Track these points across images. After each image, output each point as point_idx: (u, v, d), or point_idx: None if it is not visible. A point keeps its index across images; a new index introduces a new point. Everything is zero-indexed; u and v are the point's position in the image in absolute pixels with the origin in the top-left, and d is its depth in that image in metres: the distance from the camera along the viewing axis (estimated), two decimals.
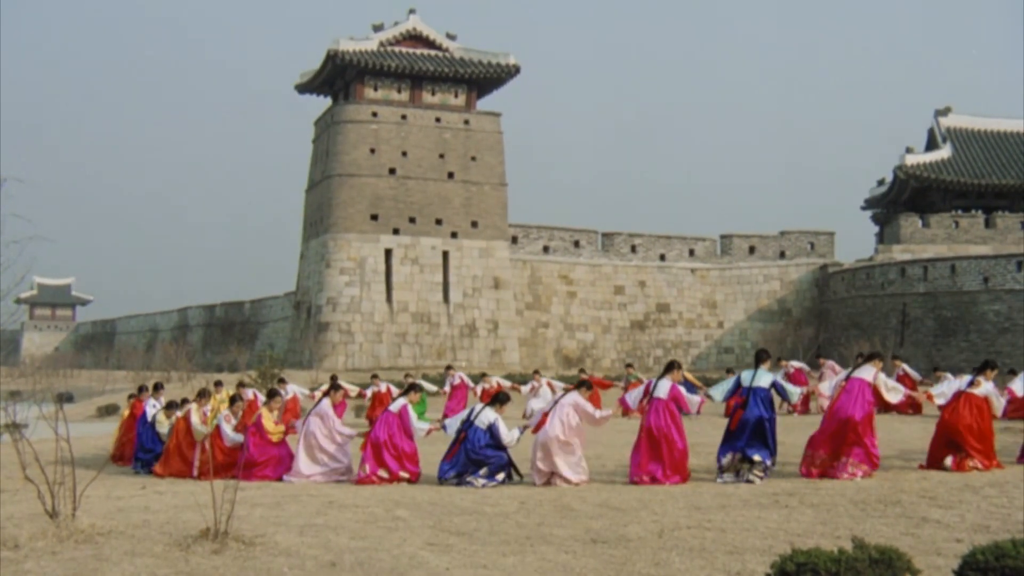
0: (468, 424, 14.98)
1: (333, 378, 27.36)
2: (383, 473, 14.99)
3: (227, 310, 74.47)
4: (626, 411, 25.97)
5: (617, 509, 11.64)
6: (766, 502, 11.96)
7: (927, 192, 58.49)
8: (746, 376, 14.94)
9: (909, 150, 59.18)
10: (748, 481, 13.93)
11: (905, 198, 59.88)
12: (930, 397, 15.76)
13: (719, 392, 15.27)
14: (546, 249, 56.15)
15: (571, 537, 9.95)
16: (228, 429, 16.52)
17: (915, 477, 13.79)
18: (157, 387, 20.92)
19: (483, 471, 14.49)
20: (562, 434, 14.39)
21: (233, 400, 18.21)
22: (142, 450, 18.68)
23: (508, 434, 14.89)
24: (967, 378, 15.76)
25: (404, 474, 15.07)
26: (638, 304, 57.41)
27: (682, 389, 14.96)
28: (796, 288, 58.23)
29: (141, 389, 22.07)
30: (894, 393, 15.30)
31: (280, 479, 15.58)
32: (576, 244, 56.82)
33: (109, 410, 38.98)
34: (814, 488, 13.00)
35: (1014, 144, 60.33)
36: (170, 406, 19.11)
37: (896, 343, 45.70)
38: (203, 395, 18.30)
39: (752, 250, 58.76)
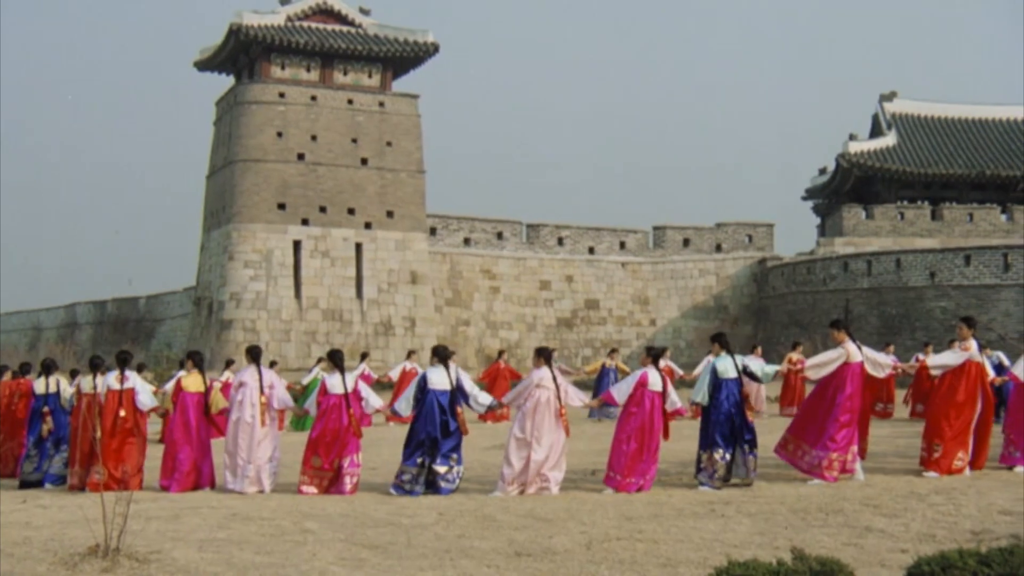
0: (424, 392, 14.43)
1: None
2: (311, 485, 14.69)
3: (120, 306, 73.38)
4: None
5: (543, 519, 11.67)
6: (701, 511, 12.07)
7: (871, 182, 59.34)
8: (723, 365, 14.94)
9: (852, 137, 59.97)
10: (748, 485, 14.08)
11: (848, 188, 60.68)
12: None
13: (700, 394, 14.73)
14: (467, 241, 56.14)
15: (493, 550, 9.96)
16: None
17: (857, 484, 13.98)
18: (49, 366, 17.31)
19: (450, 456, 14.21)
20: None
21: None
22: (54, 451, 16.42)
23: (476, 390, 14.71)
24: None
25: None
26: (565, 300, 57.54)
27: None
28: (733, 283, 58.71)
29: (25, 369, 19.04)
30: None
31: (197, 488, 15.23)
32: (499, 236, 56.84)
33: None
34: (752, 496, 13.15)
35: (962, 131, 61.38)
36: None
37: None
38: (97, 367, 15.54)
39: (686, 243, 59.17)
